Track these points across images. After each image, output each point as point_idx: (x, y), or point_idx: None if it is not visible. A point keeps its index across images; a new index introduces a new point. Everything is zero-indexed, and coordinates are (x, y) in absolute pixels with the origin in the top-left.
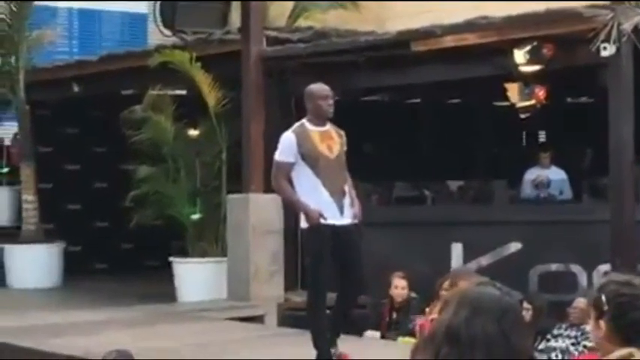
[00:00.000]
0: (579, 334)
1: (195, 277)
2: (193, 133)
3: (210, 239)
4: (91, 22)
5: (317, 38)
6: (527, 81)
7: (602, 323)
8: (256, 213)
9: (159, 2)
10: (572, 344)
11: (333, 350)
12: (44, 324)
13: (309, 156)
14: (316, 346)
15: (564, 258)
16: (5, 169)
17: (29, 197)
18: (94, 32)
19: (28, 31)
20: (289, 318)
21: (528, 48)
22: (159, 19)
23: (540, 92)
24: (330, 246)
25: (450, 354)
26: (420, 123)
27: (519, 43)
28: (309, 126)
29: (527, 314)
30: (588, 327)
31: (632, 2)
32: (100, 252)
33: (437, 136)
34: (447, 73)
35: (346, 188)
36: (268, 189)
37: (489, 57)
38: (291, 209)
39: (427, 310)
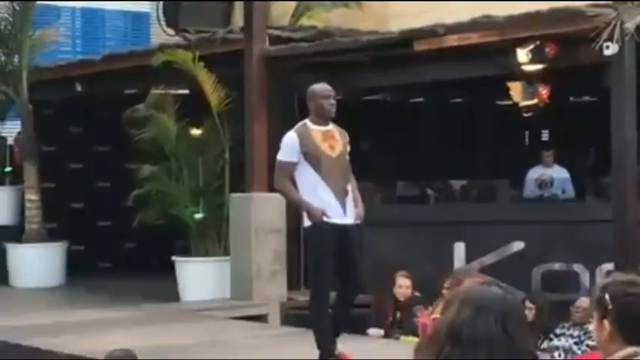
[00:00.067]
0: (582, 333)
1: (198, 277)
2: (196, 132)
3: (213, 238)
4: (93, 21)
5: (320, 37)
6: (530, 80)
7: (605, 323)
8: (259, 212)
9: (162, 2)
10: (575, 343)
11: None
12: (47, 323)
13: (311, 155)
14: (319, 345)
15: (567, 257)
16: (8, 169)
17: (32, 196)
18: (97, 31)
19: (31, 31)
20: (292, 317)
21: (531, 47)
22: (162, 18)
23: (543, 91)
24: (333, 245)
25: (453, 353)
26: (422, 122)
27: (522, 42)
28: (311, 125)
29: (530, 313)
30: (591, 326)
31: (634, 1)
32: (103, 251)
33: (440, 135)
34: (449, 72)
35: (349, 188)
36: (271, 188)
37: (492, 56)
38: (294, 208)
39: (430, 308)
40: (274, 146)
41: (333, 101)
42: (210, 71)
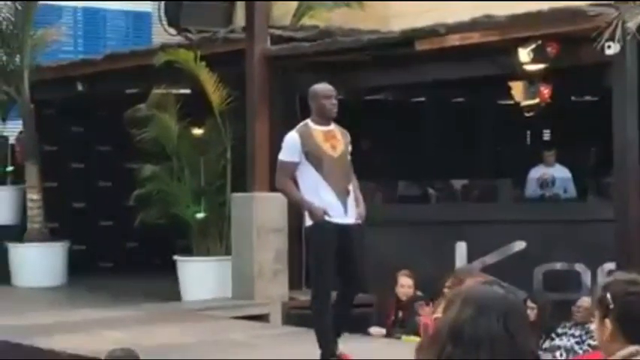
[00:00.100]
0: (584, 332)
1: (199, 276)
2: (198, 131)
3: (214, 238)
4: (95, 20)
5: (321, 37)
6: (532, 80)
7: (607, 322)
8: (261, 212)
9: (163, 1)
10: (577, 343)
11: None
12: (49, 323)
13: (312, 155)
14: (320, 345)
15: (568, 257)
16: (10, 168)
17: (34, 196)
18: (99, 31)
19: (33, 30)
20: (294, 317)
21: (533, 47)
22: (163, 17)
23: (545, 91)
24: (335, 244)
25: (454, 353)
26: (424, 122)
27: (524, 41)
28: (313, 125)
29: (531, 313)
30: (593, 326)
31: (636, 1)
32: (104, 251)
33: (441, 134)
34: (451, 71)
35: (350, 188)
36: (273, 188)
37: (493, 56)
38: (296, 208)
39: (431, 304)
40: (276, 146)
41: (334, 101)
42: (212, 71)
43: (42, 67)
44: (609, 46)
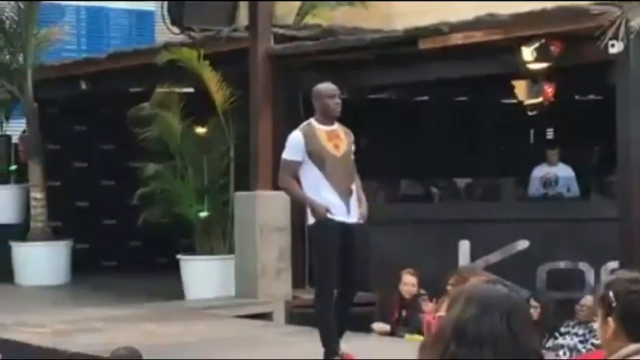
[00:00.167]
0: (587, 331)
1: (202, 275)
2: (201, 130)
3: (217, 237)
4: (98, 19)
5: (324, 36)
6: (535, 78)
7: (610, 320)
8: (264, 210)
9: (166, 0)
10: (580, 342)
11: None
12: (52, 321)
13: (316, 155)
14: (324, 343)
15: (572, 256)
16: (13, 167)
17: (37, 195)
18: (102, 30)
19: (36, 29)
20: (297, 315)
21: (536, 45)
22: (166, 16)
23: (548, 90)
24: (338, 243)
25: (458, 352)
26: (427, 120)
27: (527, 40)
28: (316, 125)
29: (534, 312)
30: (596, 325)
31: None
32: (107, 249)
33: (444, 133)
34: (454, 70)
35: (353, 187)
36: (276, 186)
37: (497, 54)
38: (299, 206)
39: (434, 301)
40: (279, 144)
41: (338, 100)
42: (215, 70)
43: (45, 65)
44: (613, 45)
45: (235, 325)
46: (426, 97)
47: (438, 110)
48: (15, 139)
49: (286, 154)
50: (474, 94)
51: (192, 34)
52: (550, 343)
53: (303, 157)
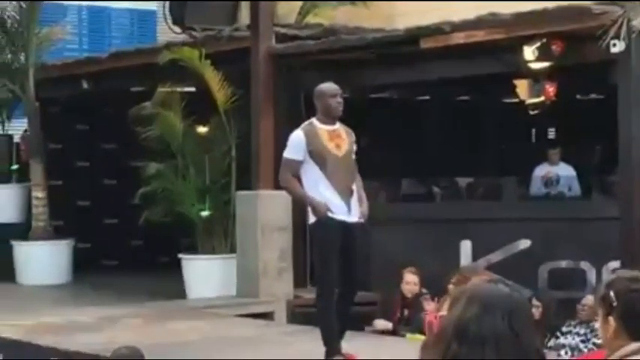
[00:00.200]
0: (589, 331)
1: (204, 274)
2: (203, 129)
3: (219, 236)
4: (100, 19)
5: (326, 35)
6: (537, 78)
7: (611, 320)
8: (265, 210)
9: (168, 0)
10: (582, 341)
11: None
12: (53, 321)
13: (317, 154)
14: (325, 343)
15: (573, 255)
16: (15, 166)
17: (39, 194)
18: (104, 29)
19: (38, 28)
20: (299, 315)
21: (538, 44)
22: (168, 16)
23: (550, 89)
24: (339, 242)
25: (459, 351)
26: (429, 120)
27: (528, 39)
28: (318, 124)
29: (536, 311)
30: (597, 324)
31: None
32: (109, 249)
33: (446, 132)
34: (456, 69)
35: (354, 187)
36: (277, 186)
37: (498, 54)
38: (300, 205)
39: (437, 300)
40: (280, 144)
41: (340, 100)
42: (217, 69)
43: (47, 65)
44: (614, 44)
45: (237, 325)
46: (427, 97)
47: (439, 109)
48: (17, 139)
49: (287, 153)
50: (475, 94)
51: (194, 33)
52: (552, 343)
53: (304, 157)
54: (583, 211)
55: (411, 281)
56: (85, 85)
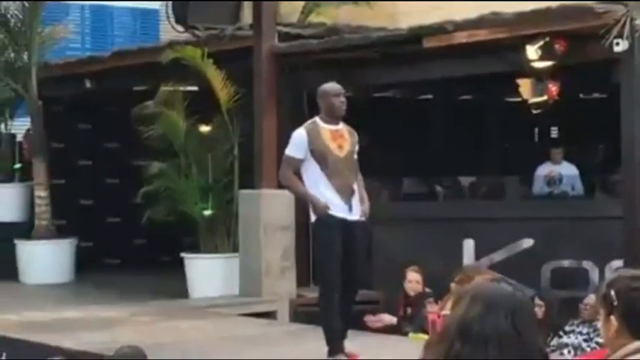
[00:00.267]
0: (591, 330)
1: (206, 273)
2: (205, 128)
3: (222, 235)
4: (102, 18)
5: (329, 34)
6: (540, 77)
7: (612, 319)
8: (268, 209)
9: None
10: (585, 340)
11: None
12: (56, 319)
13: (318, 153)
14: (328, 342)
15: (576, 254)
16: (18, 165)
17: (41, 193)
18: (106, 28)
19: (41, 27)
20: (301, 314)
21: (540, 44)
22: (171, 15)
23: (553, 88)
24: (340, 239)
25: (462, 350)
26: (432, 119)
27: (531, 39)
28: (321, 124)
29: (539, 311)
30: (600, 323)
31: None
32: (112, 247)
33: (449, 132)
34: (458, 69)
35: (355, 187)
36: (280, 185)
37: (501, 53)
38: (303, 204)
39: (440, 302)
40: (283, 143)
41: (343, 99)
42: (219, 68)
43: (50, 64)
44: (617, 43)
45: (239, 324)
46: (430, 96)
47: (442, 108)
48: (19, 138)
49: (289, 151)
50: (478, 93)
51: (197, 32)
52: (554, 342)
53: (305, 155)
54: (586, 211)
55: (413, 280)
56: (87, 84)
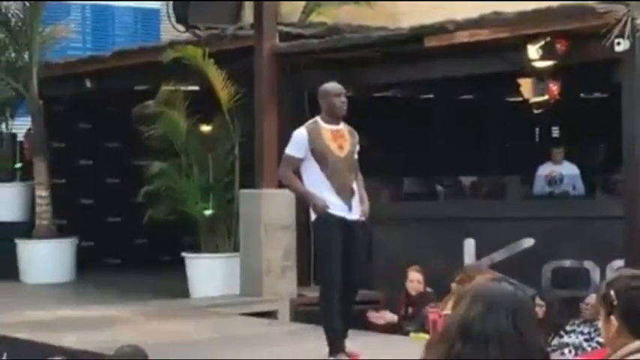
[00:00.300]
0: (592, 330)
1: (207, 273)
2: (206, 128)
3: (222, 235)
4: (103, 17)
5: (330, 34)
6: (541, 76)
7: (612, 319)
8: (269, 208)
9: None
10: (586, 340)
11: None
12: (57, 319)
13: (319, 153)
14: (329, 341)
15: (577, 254)
16: (19, 165)
17: (42, 192)
18: (107, 28)
19: (42, 27)
20: (302, 313)
21: (542, 43)
22: (172, 14)
23: (554, 88)
24: (340, 238)
25: (463, 350)
26: (433, 118)
27: (532, 38)
28: (322, 124)
29: (540, 310)
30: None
31: None
32: (112, 247)
33: (450, 131)
34: (460, 68)
35: (355, 187)
36: (281, 184)
37: (502, 52)
38: (304, 204)
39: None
40: (284, 142)
41: (344, 99)
42: (220, 68)
43: (50, 63)
44: (618, 43)
45: (240, 324)
46: (431, 95)
47: (443, 108)
48: (20, 137)
49: (289, 150)
50: (479, 92)
51: (198, 32)
52: (555, 342)
53: (305, 155)
54: (587, 210)
55: (414, 279)
56: (88, 84)
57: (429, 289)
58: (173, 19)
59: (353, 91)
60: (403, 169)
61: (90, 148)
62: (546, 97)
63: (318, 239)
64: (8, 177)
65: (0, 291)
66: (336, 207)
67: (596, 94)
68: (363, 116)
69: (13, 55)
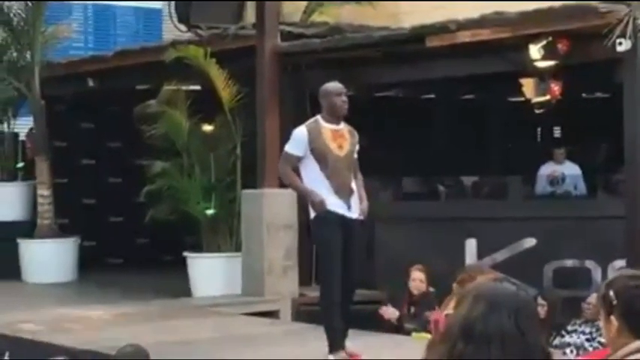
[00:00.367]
0: (594, 329)
1: (209, 273)
2: (208, 128)
3: (224, 234)
4: (105, 17)
5: (331, 33)
6: (542, 76)
7: (613, 319)
8: (271, 208)
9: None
10: (587, 340)
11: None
12: (59, 319)
13: (318, 152)
14: (330, 341)
15: (579, 254)
16: (21, 164)
17: (44, 192)
18: (109, 28)
19: (44, 27)
20: (304, 313)
21: (543, 43)
22: (173, 14)
23: (555, 88)
24: (339, 235)
25: (465, 350)
26: (434, 118)
27: (534, 38)
28: (322, 123)
29: (541, 310)
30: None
31: None
32: (114, 247)
33: (451, 131)
34: (461, 68)
35: (354, 186)
36: (283, 184)
37: (504, 52)
38: (305, 204)
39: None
40: (285, 142)
41: (345, 98)
42: (222, 67)
43: (52, 63)
44: (620, 43)
45: (242, 323)
46: (432, 95)
47: (444, 108)
48: (22, 137)
49: (288, 147)
50: (481, 92)
51: (199, 31)
52: (557, 341)
53: (304, 153)
54: (588, 210)
55: (417, 278)
56: (90, 83)
57: (431, 289)
58: (175, 19)
59: (354, 91)
60: (405, 169)
61: (92, 147)
62: (548, 97)
63: (317, 238)
64: (10, 176)
65: (2, 290)
66: (335, 206)
67: (598, 94)
68: (365, 116)
69: (15, 54)
